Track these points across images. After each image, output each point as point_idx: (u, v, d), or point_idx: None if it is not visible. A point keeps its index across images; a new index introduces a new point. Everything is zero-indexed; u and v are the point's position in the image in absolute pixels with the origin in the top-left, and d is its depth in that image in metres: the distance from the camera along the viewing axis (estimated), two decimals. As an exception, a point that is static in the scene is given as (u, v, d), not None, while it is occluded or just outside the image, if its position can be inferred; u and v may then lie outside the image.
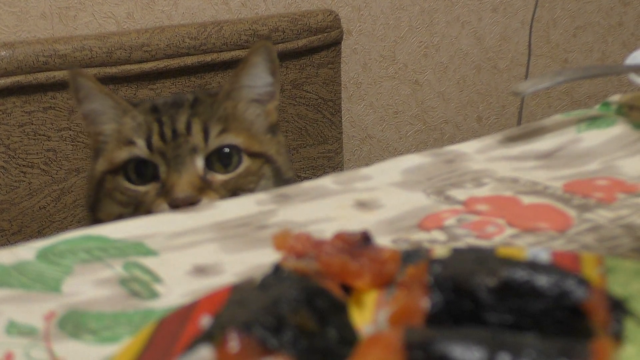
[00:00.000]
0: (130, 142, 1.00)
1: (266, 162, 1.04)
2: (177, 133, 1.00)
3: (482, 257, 0.42)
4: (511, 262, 0.41)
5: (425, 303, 0.41)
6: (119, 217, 0.99)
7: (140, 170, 1.00)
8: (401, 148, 2.00)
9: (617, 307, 0.41)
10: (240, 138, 1.02)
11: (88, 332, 0.49)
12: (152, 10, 1.68)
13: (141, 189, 0.99)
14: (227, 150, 1.01)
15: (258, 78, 1.07)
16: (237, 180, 1.00)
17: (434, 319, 0.41)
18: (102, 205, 1.03)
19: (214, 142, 1.00)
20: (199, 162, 0.99)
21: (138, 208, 0.98)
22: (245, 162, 1.02)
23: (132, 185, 1.00)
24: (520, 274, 0.40)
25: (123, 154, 1.01)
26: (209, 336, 0.38)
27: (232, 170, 1.01)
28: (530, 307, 0.40)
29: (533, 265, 0.41)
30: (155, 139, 1.00)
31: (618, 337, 0.40)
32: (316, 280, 0.44)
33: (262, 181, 1.03)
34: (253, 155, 1.03)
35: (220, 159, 1.00)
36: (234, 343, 0.37)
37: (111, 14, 1.65)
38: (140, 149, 1.00)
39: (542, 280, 0.40)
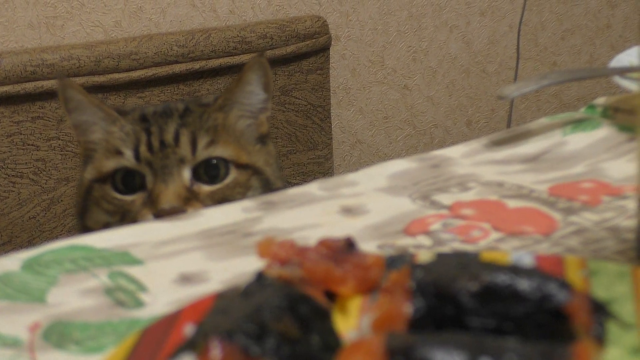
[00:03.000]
0: (118, 152, 1.00)
1: (254, 174, 1.03)
2: (165, 144, 1.00)
3: (464, 262, 0.43)
4: (493, 267, 0.42)
5: (407, 308, 0.41)
6: (106, 225, 0.99)
7: (128, 179, 1.00)
8: (391, 153, 2.00)
9: (599, 310, 0.41)
10: (228, 150, 1.02)
11: (73, 343, 0.49)
12: (140, 19, 1.68)
13: (128, 198, 0.99)
14: (214, 161, 1.01)
15: (252, 95, 1.06)
16: (224, 191, 1.00)
17: (417, 324, 0.41)
18: (90, 213, 1.02)
19: (202, 154, 1.00)
20: (186, 173, 0.99)
21: (124, 217, 0.98)
22: (233, 174, 1.01)
23: (119, 194, 1.00)
24: (502, 278, 0.41)
25: (111, 164, 1.00)
26: (192, 345, 0.38)
27: (219, 181, 1.00)
28: (512, 311, 0.40)
29: (515, 269, 0.41)
30: (143, 150, 0.99)
31: (600, 340, 0.40)
32: (299, 287, 0.44)
33: (250, 192, 1.03)
34: (241, 166, 1.02)
35: (207, 170, 1.00)
36: (216, 351, 0.37)
37: (99, 23, 1.65)
38: (127, 159, 1.00)
39: (524, 284, 0.40)
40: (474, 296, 0.40)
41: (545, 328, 0.40)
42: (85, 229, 1.02)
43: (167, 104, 1.09)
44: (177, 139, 1.00)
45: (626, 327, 0.41)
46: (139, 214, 0.97)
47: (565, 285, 0.41)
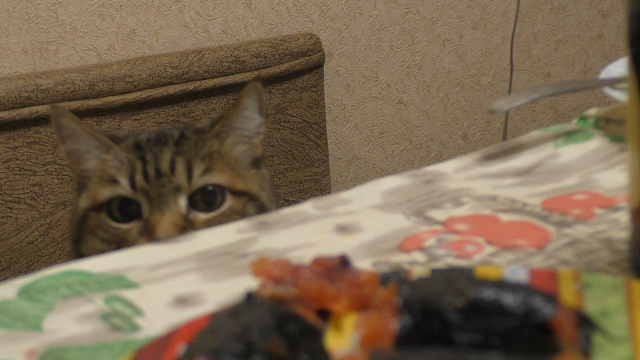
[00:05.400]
0: (114, 181, 1.00)
1: (250, 200, 1.04)
2: (161, 172, 1.00)
3: (451, 278, 0.43)
4: (479, 282, 0.42)
5: (394, 325, 0.41)
6: (102, 253, 0.99)
7: (124, 208, 1.00)
8: (388, 168, 2.00)
9: (585, 323, 0.41)
10: (224, 177, 1.02)
11: (69, 367, 0.49)
12: (133, 41, 1.68)
13: (124, 227, 0.99)
14: (210, 188, 1.01)
15: (249, 120, 1.07)
16: (220, 219, 1.00)
17: (404, 340, 0.41)
18: (86, 241, 1.02)
19: (198, 182, 1.00)
20: (182, 202, 0.99)
21: (121, 246, 0.98)
22: (229, 201, 1.01)
23: (115, 223, 1.00)
24: (487, 293, 0.41)
25: (106, 193, 1.00)
26: (181, 365, 0.38)
27: (215, 209, 1.01)
28: (498, 326, 0.40)
29: (500, 284, 0.41)
30: (139, 178, 0.99)
31: (586, 353, 0.40)
32: (289, 306, 0.44)
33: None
34: (237, 193, 1.03)
35: (203, 197, 1.00)
36: (204, 371, 0.37)
37: (92, 47, 1.65)
38: (123, 188, 1.00)
39: (509, 299, 0.40)
40: (459, 312, 0.41)
41: (531, 342, 0.40)
42: (80, 256, 1.02)
43: (161, 130, 1.08)
44: (172, 167, 1.00)
45: (614, 339, 0.41)
46: (135, 243, 0.97)
47: (550, 299, 0.41)
